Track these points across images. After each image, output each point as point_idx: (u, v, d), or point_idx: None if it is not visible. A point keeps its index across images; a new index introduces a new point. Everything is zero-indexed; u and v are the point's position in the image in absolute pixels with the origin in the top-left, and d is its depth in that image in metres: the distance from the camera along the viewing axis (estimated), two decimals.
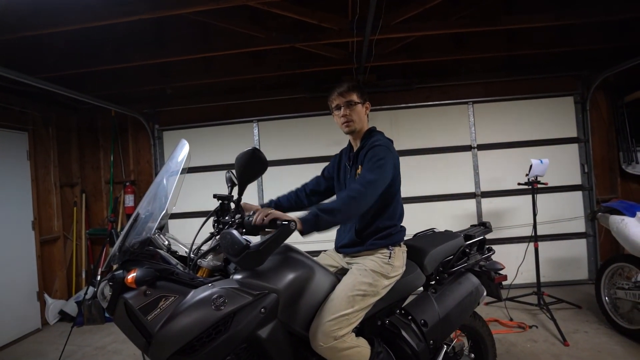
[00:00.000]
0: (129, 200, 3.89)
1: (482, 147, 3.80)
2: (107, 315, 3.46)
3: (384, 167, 1.40)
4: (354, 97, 1.55)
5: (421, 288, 1.68)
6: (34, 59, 3.11)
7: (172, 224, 3.92)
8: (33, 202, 3.52)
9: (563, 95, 3.77)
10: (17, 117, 3.45)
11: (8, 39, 2.54)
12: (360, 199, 1.31)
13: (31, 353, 2.95)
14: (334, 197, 1.37)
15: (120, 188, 4.02)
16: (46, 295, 3.58)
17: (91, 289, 3.42)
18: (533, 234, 3.03)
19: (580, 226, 3.72)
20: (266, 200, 1.80)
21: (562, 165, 3.69)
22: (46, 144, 3.75)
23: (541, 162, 2.98)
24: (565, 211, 3.70)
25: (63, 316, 3.59)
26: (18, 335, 3.23)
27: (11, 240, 3.29)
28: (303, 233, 1.23)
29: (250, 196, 3.84)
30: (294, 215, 1.25)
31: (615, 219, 2.60)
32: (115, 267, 1.22)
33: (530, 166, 2.98)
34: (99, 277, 3.49)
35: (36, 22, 2.47)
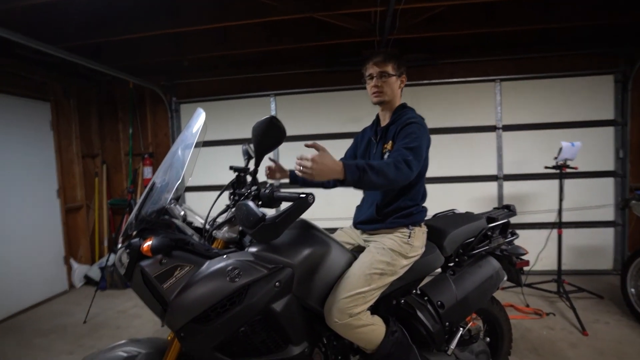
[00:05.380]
0: (148, 172, 3.95)
1: (507, 127, 3.61)
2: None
3: (421, 150, 1.32)
4: (389, 69, 1.47)
5: (439, 269, 1.64)
6: (52, 29, 3.09)
7: (188, 197, 3.98)
8: (57, 172, 3.62)
9: (602, 73, 3.48)
10: (38, 87, 3.49)
11: (27, 5, 2.52)
12: (402, 172, 1.23)
13: (59, 312, 3.13)
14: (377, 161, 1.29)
15: (139, 160, 4.08)
16: (72, 260, 3.75)
17: (113, 256, 3.56)
18: (557, 220, 2.90)
19: (608, 214, 3.54)
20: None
21: (595, 149, 3.46)
22: (68, 114, 3.81)
23: (572, 144, 2.80)
24: (594, 198, 3.52)
25: (87, 280, 3.78)
26: (47, 295, 3.43)
27: (38, 207, 3.42)
28: (344, 182, 1.16)
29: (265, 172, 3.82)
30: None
31: None
32: (133, 234, 1.23)
33: (560, 149, 2.81)
34: (119, 245, 3.62)
35: None
